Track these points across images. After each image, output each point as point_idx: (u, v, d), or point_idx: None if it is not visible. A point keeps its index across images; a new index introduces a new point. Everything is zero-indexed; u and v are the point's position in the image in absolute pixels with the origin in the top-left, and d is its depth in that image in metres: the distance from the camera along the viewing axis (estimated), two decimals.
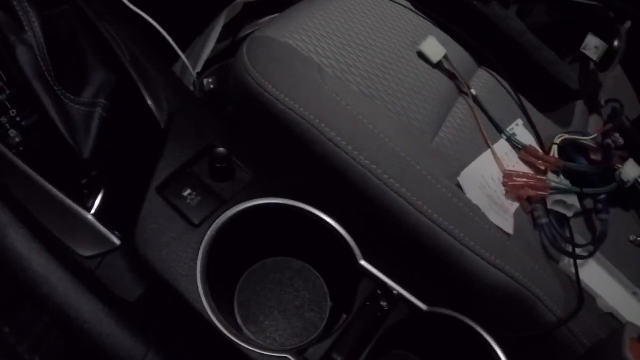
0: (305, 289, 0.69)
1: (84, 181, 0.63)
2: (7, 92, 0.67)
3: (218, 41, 0.93)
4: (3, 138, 0.64)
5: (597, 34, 0.90)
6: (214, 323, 0.54)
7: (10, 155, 0.61)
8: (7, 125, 0.66)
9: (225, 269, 0.63)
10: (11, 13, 0.65)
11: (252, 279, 0.69)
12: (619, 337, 0.63)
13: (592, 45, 0.90)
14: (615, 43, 0.89)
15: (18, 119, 0.66)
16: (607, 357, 0.67)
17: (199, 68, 0.86)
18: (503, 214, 0.74)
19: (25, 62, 0.64)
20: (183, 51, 0.82)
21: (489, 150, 0.80)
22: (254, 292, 0.68)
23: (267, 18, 0.95)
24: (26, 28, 0.65)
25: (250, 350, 0.53)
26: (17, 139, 0.66)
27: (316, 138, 0.66)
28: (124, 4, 0.75)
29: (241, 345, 0.53)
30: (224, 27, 0.93)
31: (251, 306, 0.68)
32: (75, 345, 0.50)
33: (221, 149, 0.59)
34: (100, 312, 0.47)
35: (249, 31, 0.94)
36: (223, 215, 0.58)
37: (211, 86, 0.85)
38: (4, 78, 0.67)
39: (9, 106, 0.67)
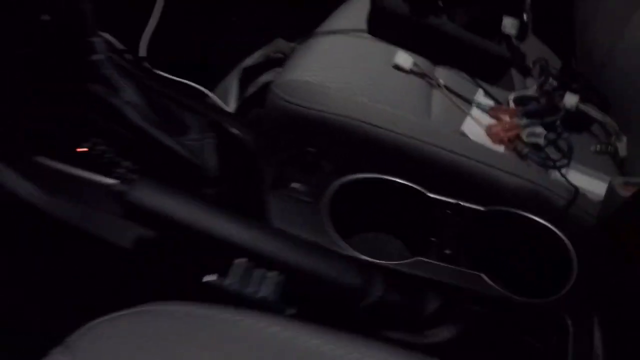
0: None
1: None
2: (112, 151, 0.73)
3: None
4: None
5: (509, 14, 1.19)
6: None
7: None
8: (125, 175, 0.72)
9: None
10: (105, 82, 0.75)
11: None
12: (612, 187, 0.84)
13: (509, 24, 1.18)
14: (525, 17, 1.17)
15: (134, 167, 0.72)
16: (608, 210, 0.86)
17: None
18: None
19: (136, 116, 0.75)
20: None
21: (469, 117, 1.06)
22: None
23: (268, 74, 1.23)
24: (126, 91, 0.76)
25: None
26: None
27: (364, 128, 0.91)
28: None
29: None
30: None
31: None
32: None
33: (312, 149, 0.81)
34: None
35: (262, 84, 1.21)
36: (330, 187, 0.81)
37: None
38: (102, 141, 0.73)
39: (120, 161, 0.72)
